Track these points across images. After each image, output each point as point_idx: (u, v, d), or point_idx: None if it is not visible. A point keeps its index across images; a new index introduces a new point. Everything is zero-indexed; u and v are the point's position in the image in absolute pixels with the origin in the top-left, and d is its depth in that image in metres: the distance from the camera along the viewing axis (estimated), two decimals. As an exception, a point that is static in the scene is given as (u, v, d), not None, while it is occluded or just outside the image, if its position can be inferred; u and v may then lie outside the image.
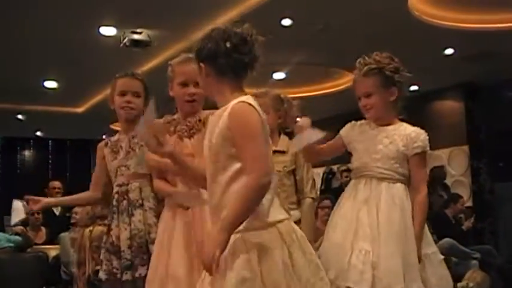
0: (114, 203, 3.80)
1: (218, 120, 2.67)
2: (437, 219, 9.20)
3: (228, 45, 2.69)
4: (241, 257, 2.52)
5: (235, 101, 2.67)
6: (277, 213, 2.65)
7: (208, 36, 2.75)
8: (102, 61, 9.36)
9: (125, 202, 3.76)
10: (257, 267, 2.50)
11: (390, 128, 3.56)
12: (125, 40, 8.27)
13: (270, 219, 2.60)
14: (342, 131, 3.71)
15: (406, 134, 3.51)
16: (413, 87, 12.01)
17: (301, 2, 7.59)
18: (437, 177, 10.83)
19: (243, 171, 2.59)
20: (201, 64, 2.76)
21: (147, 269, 3.48)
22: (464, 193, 11.35)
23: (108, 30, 8.29)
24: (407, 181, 3.51)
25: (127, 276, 3.61)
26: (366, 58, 3.60)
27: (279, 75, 10.86)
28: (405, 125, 3.59)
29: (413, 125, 3.60)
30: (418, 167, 3.49)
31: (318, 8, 7.81)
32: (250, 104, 2.65)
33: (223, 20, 7.65)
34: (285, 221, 2.65)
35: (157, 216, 3.64)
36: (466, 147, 11.62)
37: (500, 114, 11.03)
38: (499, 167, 10.49)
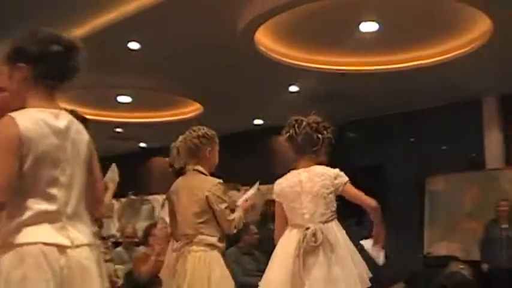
0: None
1: None
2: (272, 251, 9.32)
3: (55, 48, 2.57)
4: None
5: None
6: (29, 235, 2.45)
7: (33, 37, 2.60)
8: None
9: None
10: None
11: None
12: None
13: (15, 240, 2.43)
14: None
15: None
16: (258, 121, 12.23)
17: (149, 27, 7.49)
18: (269, 211, 11.00)
19: None
20: (20, 65, 2.59)
21: None
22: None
23: None
24: None
25: None
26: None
27: (124, 99, 10.67)
28: None
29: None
30: None
31: (165, 35, 7.74)
32: (12, 117, 2.49)
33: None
34: (39, 244, 2.44)
35: None
36: (305, 184, 11.85)
37: (341, 154, 11.34)
38: (337, 205, 10.74)
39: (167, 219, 5.16)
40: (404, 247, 9.57)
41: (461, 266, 8.71)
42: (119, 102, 10.84)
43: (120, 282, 4.37)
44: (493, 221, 9.00)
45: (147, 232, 7.36)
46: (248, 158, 12.27)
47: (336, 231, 3.85)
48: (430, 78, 9.27)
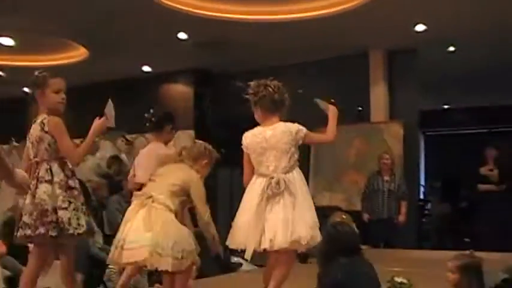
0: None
1: None
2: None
3: None
4: None
5: None
6: None
7: None
8: None
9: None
10: None
11: None
12: None
13: None
14: None
15: None
16: (146, 68, 12.01)
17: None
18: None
19: None
20: None
21: (47, 230, 4.30)
22: (187, 177, 11.56)
23: None
24: None
25: (27, 232, 4.38)
26: None
27: (6, 41, 10.20)
28: None
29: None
30: None
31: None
32: None
33: None
34: None
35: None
36: (191, 132, 11.79)
37: (227, 103, 11.34)
38: (221, 154, 10.77)
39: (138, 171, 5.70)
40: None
41: (343, 216, 8.89)
42: (1, 45, 10.38)
43: (82, 229, 4.41)
44: (376, 173, 9.25)
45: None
46: (136, 106, 12.03)
47: (297, 179, 4.46)
48: (319, 31, 9.33)
